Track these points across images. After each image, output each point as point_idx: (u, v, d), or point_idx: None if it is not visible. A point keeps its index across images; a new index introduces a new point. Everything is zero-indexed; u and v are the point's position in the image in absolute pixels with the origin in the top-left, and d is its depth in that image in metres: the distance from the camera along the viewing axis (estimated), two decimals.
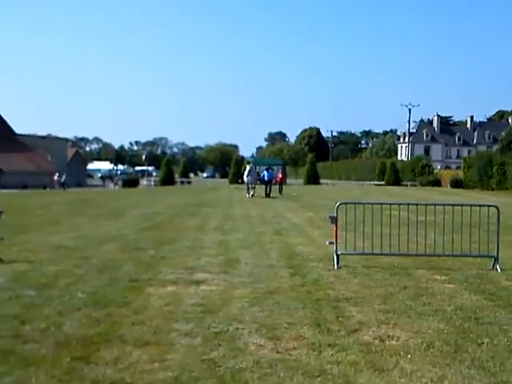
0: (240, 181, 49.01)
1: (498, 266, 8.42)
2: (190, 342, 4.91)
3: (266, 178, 30.62)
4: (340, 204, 8.83)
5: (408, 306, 6.25)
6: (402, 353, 4.68)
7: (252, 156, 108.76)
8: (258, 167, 35.15)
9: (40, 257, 9.26)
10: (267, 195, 29.63)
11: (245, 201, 26.73)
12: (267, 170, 31.16)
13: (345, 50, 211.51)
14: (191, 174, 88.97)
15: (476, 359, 4.54)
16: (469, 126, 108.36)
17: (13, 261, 8.79)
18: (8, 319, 5.53)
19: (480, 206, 9.72)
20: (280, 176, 35.46)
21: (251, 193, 29.39)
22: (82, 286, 7.01)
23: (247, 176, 30.15)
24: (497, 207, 8.88)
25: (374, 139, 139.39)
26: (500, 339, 5.06)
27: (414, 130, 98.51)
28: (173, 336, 5.07)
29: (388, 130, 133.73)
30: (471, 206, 9.49)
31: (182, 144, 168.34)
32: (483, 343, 4.94)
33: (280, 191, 32.78)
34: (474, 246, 8.87)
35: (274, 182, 32.51)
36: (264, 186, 30.47)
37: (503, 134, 67.48)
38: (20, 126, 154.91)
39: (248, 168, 31.16)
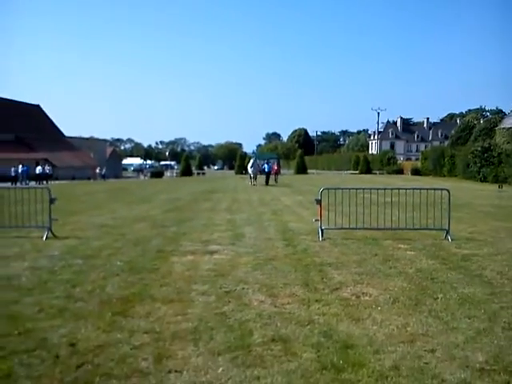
0: (244, 172, 48.68)
1: (449, 237, 8.42)
2: (206, 299, 4.92)
3: (266, 169, 30.41)
4: (323, 189, 8.80)
5: (378, 269, 6.26)
6: (373, 306, 4.69)
7: (253, 152, 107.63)
8: (258, 160, 34.94)
9: (86, 234, 9.27)
10: (266, 183, 29.47)
11: (248, 188, 26.65)
12: (267, 163, 30.90)
13: (329, 67, 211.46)
14: (205, 167, 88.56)
15: (432, 310, 4.56)
16: (425, 125, 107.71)
17: (65, 237, 8.80)
18: (62, 283, 5.55)
19: (434, 189, 9.70)
20: (276, 168, 35.13)
21: (253, 182, 29.11)
22: (120, 257, 7.03)
23: (251, 168, 29.82)
24: (448, 190, 8.88)
25: (350, 137, 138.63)
26: (451, 294, 5.07)
27: (382, 130, 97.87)
28: (192, 295, 5.08)
29: (361, 129, 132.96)
30: (428, 189, 9.48)
31: (198, 143, 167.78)
32: (438, 298, 4.96)
33: (276, 180, 32.56)
34: (430, 221, 8.87)
35: (271, 172, 32.31)
36: (264, 176, 30.31)
37: (453, 131, 67.29)
38: (68, 129, 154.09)
39: (251, 161, 30.89)
